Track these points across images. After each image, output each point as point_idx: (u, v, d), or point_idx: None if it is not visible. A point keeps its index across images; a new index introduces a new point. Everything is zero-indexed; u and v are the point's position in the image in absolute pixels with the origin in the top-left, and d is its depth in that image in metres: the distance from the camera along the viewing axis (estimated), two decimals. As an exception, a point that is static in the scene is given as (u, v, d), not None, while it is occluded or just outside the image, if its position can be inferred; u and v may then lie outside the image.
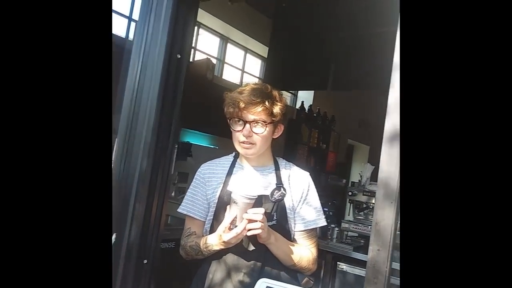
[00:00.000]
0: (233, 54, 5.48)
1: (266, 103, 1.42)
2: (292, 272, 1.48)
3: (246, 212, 1.27)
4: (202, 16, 4.76)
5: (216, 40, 5.24)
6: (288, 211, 1.49)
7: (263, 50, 5.42)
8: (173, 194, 4.15)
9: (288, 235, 1.49)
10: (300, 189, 1.53)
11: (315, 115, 6.03)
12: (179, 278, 1.98)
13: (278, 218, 1.46)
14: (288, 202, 1.49)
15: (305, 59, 4.09)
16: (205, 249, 1.42)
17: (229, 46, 5.38)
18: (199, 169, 1.56)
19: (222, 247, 1.36)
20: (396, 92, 0.94)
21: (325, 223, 1.54)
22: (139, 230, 1.19)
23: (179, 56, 1.24)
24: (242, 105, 1.40)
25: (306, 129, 5.87)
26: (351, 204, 3.90)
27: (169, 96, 1.24)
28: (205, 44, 5.02)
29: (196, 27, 4.84)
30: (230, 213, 1.28)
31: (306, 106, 5.92)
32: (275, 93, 1.47)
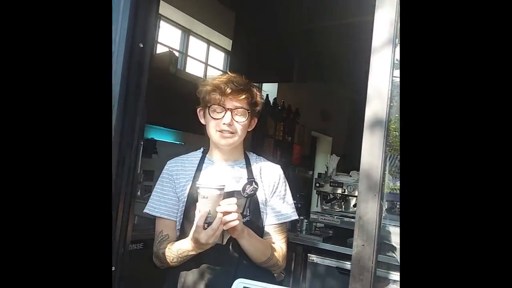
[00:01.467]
0: (196, 47, 5.34)
1: (251, 91, 1.39)
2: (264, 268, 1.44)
3: (219, 205, 1.20)
4: (164, 8, 4.59)
5: (178, 33, 5.09)
6: (261, 205, 1.44)
7: (227, 43, 5.32)
8: (139, 193, 4.01)
9: (260, 231, 1.44)
10: (272, 182, 1.49)
11: (279, 108, 6.02)
12: (149, 281, 1.89)
13: (251, 214, 1.41)
14: (260, 196, 1.44)
15: (270, 51, 4.05)
16: (180, 256, 1.33)
17: (192, 39, 5.23)
18: (166, 166, 1.48)
19: (200, 250, 1.28)
20: (375, 80, 0.90)
21: (296, 217, 1.52)
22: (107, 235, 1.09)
23: (142, 45, 1.15)
24: (228, 90, 1.34)
25: (272, 122, 5.85)
26: (319, 196, 3.94)
27: (132, 89, 1.14)
28: (167, 37, 4.85)
29: (157, 20, 4.69)
30: (202, 210, 1.20)
31: (271, 99, 5.90)
32: (254, 85, 1.44)
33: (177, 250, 1.33)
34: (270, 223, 1.47)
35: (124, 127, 1.12)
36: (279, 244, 1.47)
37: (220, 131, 1.39)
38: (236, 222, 1.23)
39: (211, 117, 1.39)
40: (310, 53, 4.04)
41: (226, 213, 1.21)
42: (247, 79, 1.44)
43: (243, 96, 1.37)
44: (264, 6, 4.15)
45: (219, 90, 1.36)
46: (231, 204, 1.22)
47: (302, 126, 6.61)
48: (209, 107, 1.39)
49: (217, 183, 1.19)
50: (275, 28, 4.02)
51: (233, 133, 1.39)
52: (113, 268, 1.09)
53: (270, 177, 1.49)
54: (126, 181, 1.13)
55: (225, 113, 1.37)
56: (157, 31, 4.67)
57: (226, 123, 1.37)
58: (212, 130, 1.40)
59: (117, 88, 1.10)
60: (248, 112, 1.40)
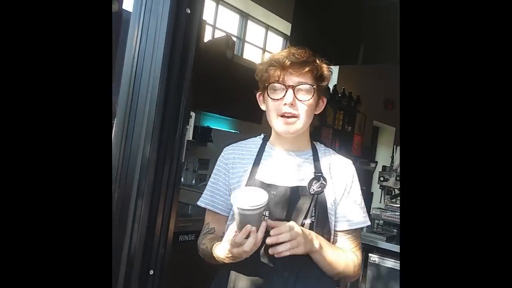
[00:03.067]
0: (254, 32, 5.18)
1: (315, 63, 1.16)
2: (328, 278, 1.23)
3: (255, 224, 1.00)
4: (220, -10, 4.47)
5: (236, 18, 4.95)
6: (329, 206, 1.21)
7: (286, 27, 5.10)
8: (193, 182, 3.98)
9: (328, 235, 1.22)
10: (344, 181, 1.25)
11: (339, 95, 5.70)
12: (198, 275, 1.78)
13: (317, 215, 1.19)
14: (329, 195, 1.22)
15: (332, 33, 3.76)
16: (215, 258, 1.16)
17: (250, 23, 5.08)
18: (222, 154, 1.31)
19: (231, 261, 1.11)
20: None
21: (369, 223, 1.28)
22: (143, 233, 0.95)
23: (189, 11, 0.97)
24: (287, 62, 1.13)
25: (331, 110, 5.56)
26: (382, 190, 3.65)
27: (177, 63, 0.97)
28: (224, 22, 4.74)
29: (214, 3, 4.58)
30: (236, 225, 1.02)
31: (331, 86, 5.60)
32: (320, 58, 1.21)
33: (213, 251, 1.17)
34: (341, 229, 1.25)
35: (166, 108, 0.96)
36: (353, 253, 1.25)
37: (282, 115, 1.18)
38: (288, 253, 1.03)
39: (270, 97, 1.19)
40: (376, 33, 3.69)
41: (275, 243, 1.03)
42: (311, 51, 1.21)
43: (307, 69, 1.15)
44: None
45: (278, 64, 1.15)
46: (283, 234, 1.03)
47: (363, 115, 6.24)
48: (267, 86, 1.19)
49: (253, 203, 0.97)
50: (337, 7, 3.72)
51: (296, 116, 1.17)
52: (151, 272, 0.94)
53: (342, 174, 1.26)
54: (168, 171, 0.97)
55: (286, 91, 1.16)
56: (215, 16, 4.56)
57: (287, 103, 1.15)
58: (273, 114, 1.20)
59: (158, 62, 0.94)
60: (314, 89, 1.17)
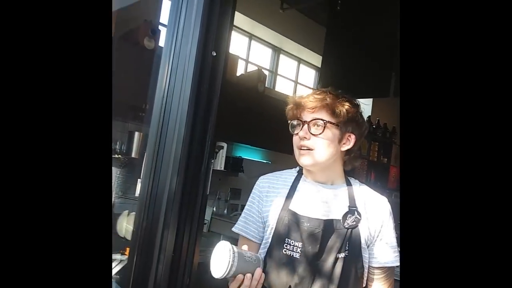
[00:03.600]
0: (286, 65, 5.30)
1: (328, 99, 1.22)
2: None
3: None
4: (254, 27, 4.64)
5: (268, 52, 5.10)
6: (362, 241, 1.21)
7: (317, 60, 5.18)
8: (225, 211, 4.02)
9: (360, 272, 1.22)
10: (380, 217, 1.25)
11: (374, 126, 5.63)
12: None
13: (350, 251, 1.19)
14: (363, 231, 1.22)
15: (362, 65, 3.78)
16: None
17: (282, 57, 5.20)
18: (257, 182, 1.35)
19: None
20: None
21: (398, 263, 1.26)
22: (168, 263, 0.98)
23: (215, 54, 1.04)
24: (301, 103, 1.23)
25: (365, 141, 5.49)
26: (419, 225, 3.50)
27: (203, 100, 1.03)
28: (257, 56, 4.89)
29: (248, 38, 4.76)
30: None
31: (365, 117, 5.56)
32: (343, 96, 1.27)
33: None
34: (376, 266, 1.24)
35: (193, 142, 1.02)
36: None
37: (299, 148, 1.25)
38: None
39: (291, 133, 1.28)
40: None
41: None
42: (335, 91, 1.28)
43: (319, 105, 1.22)
44: (355, 18, 3.92)
45: (295, 105, 1.26)
46: None
47: (399, 147, 6.10)
48: (289, 123, 1.29)
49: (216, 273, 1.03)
50: (368, 40, 3.75)
51: (310, 149, 1.23)
52: (175, 302, 0.96)
53: (378, 211, 1.26)
54: (193, 203, 1.01)
55: (302, 126, 1.24)
56: (248, 50, 4.73)
57: (301, 136, 1.23)
58: (294, 147, 1.27)
59: (186, 100, 1.00)
60: (325, 123, 1.21)
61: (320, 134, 1.21)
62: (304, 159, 1.24)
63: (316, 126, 1.22)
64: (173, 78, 1.04)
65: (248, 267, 1.07)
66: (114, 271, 1.92)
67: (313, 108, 1.22)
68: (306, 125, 1.23)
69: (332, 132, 1.23)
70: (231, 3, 1.06)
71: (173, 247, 0.99)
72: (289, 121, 1.29)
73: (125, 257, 2.07)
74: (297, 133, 1.25)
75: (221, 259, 1.02)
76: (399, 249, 1.25)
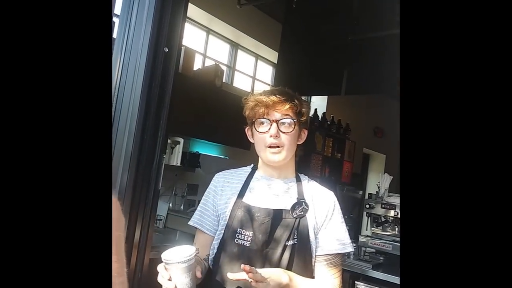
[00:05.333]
0: (244, 61, 5.32)
1: (295, 101, 1.31)
2: None
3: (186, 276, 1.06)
4: (212, 21, 4.62)
5: (226, 47, 5.09)
6: (310, 231, 1.30)
7: (274, 56, 5.25)
8: (182, 207, 3.99)
9: (309, 259, 1.29)
10: (325, 208, 1.35)
11: (329, 122, 5.80)
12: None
13: (298, 238, 1.27)
14: (311, 220, 1.31)
15: (317, 63, 3.89)
16: None
17: (240, 52, 5.22)
18: (213, 178, 1.42)
19: None
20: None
21: (352, 249, 1.34)
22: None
23: (167, 50, 1.04)
24: (270, 102, 1.28)
25: (320, 137, 5.65)
26: (369, 218, 3.67)
27: (155, 95, 1.03)
28: (215, 51, 4.87)
29: (205, 33, 4.72)
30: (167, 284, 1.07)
31: (320, 114, 5.70)
32: (298, 96, 1.37)
33: None
34: (321, 253, 1.31)
35: (144, 138, 1.01)
36: (331, 281, 1.31)
37: (269, 146, 1.31)
38: None
39: (257, 131, 1.33)
40: (359, 65, 3.82)
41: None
42: (290, 89, 1.37)
43: (287, 106, 1.29)
44: (311, 17, 4.01)
45: (262, 103, 1.30)
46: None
47: (353, 142, 6.33)
48: (254, 122, 1.33)
49: (181, 255, 1.05)
50: (323, 39, 3.86)
51: (280, 146, 1.30)
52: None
53: (324, 203, 1.36)
54: (144, 199, 1.01)
55: (271, 125, 1.30)
56: (206, 45, 4.70)
57: (272, 134, 1.29)
58: (261, 146, 1.33)
59: (137, 95, 1.00)
60: (295, 122, 1.31)
61: (290, 132, 1.30)
62: (274, 157, 1.31)
63: (286, 124, 1.30)
64: (125, 72, 1.03)
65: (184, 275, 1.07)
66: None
67: (280, 108, 1.29)
68: (275, 124, 1.29)
69: (296, 130, 1.33)
70: (183, 2, 1.06)
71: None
72: (253, 119, 1.33)
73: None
74: (264, 132, 1.31)
75: (184, 249, 1.05)
76: (351, 240, 1.35)
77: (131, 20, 1.06)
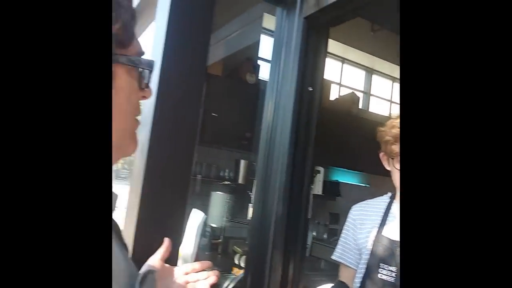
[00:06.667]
0: (379, 85, 5.20)
1: None
2: None
3: None
4: (346, 50, 4.69)
5: (361, 74, 5.08)
6: None
7: (413, 77, 5.00)
8: (325, 236, 4.01)
9: None
10: None
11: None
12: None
13: None
14: None
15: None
16: None
17: (375, 77, 5.13)
18: (350, 211, 1.41)
19: None
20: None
21: None
22: (277, 282, 1.06)
23: (311, 89, 1.14)
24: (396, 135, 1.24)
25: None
26: None
27: (302, 132, 1.13)
28: (350, 79, 4.91)
29: (340, 63, 4.80)
30: None
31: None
32: None
33: None
34: None
35: (293, 173, 1.11)
36: None
37: None
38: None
39: (396, 169, 1.27)
40: None
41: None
42: None
43: None
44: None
45: (395, 139, 1.25)
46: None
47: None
48: (392, 159, 1.28)
49: None
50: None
51: None
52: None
53: None
54: (297, 224, 1.10)
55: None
56: (341, 74, 4.76)
57: None
58: (398, 181, 1.28)
59: (287, 132, 1.11)
60: None
61: None
62: None
63: None
64: (276, 112, 1.16)
65: None
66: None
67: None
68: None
69: None
70: (324, 44, 1.16)
71: (281, 267, 1.08)
72: (392, 157, 1.28)
73: (233, 276, 2.23)
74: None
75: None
76: None
77: (280, 65, 1.19)
